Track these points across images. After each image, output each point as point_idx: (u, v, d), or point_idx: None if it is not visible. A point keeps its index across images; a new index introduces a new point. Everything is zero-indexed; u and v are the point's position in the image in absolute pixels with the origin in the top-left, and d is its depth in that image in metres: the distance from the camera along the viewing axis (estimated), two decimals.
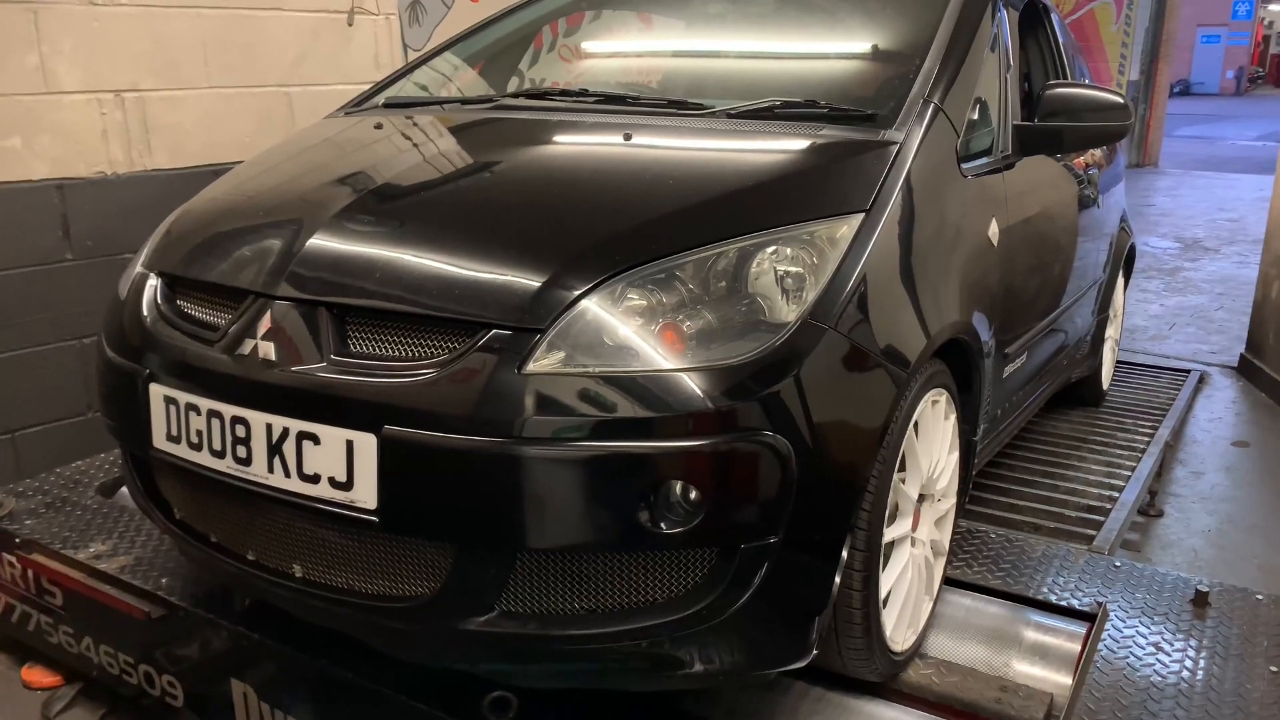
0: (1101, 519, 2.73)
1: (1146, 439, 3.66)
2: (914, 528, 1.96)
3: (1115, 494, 2.96)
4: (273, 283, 1.69)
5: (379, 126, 2.26)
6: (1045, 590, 2.26)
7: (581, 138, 2.08)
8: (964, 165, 2.08)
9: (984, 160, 2.24)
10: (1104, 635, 2.11)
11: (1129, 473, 3.18)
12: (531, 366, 1.49)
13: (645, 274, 1.58)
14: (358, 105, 2.58)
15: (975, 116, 2.22)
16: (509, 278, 1.58)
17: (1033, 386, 2.90)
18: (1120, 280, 4.11)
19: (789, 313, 1.60)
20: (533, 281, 1.56)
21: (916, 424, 1.86)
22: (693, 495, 1.47)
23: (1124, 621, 2.17)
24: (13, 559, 2.45)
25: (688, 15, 2.84)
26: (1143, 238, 8.93)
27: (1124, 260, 4.02)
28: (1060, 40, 3.23)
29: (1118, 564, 2.40)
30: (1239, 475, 3.89)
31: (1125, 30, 13.65)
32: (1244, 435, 4.31)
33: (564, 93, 2.33)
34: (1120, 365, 4.86)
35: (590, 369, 1.48)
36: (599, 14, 3.02)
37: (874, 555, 1.73)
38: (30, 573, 2.40)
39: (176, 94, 3.24)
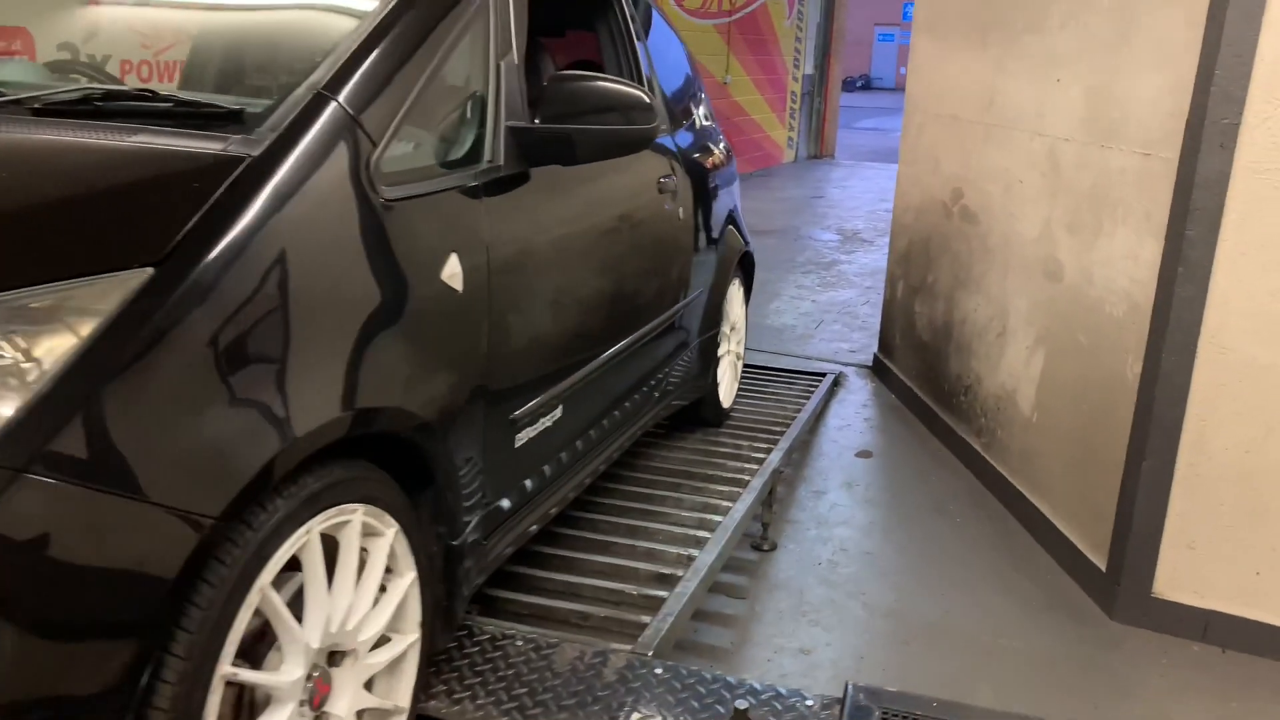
0: (666, 594, 2.30)
1: (759, 464, 3.34)
2: (316, 704, 1.38)
3: (695, 552, 2.55)
4: None
5: None
6: None
7: None
8: (388, 187, 1.51)
9: (442, 177, 1.68)
10: None
11: (720, 517, 2.81)
12: None
13: None
14: None
15: (431, 118, 1.67)
16: None
17: (597, 437, 2.44)
18: (737, 291, 3.80)
19: None
20: None
21: (299, 565, 1.27)
22: None
23: None
24: None
25: None
26: (808, 230, 9.09)
27: (737, 269, 3.71)
28: (630, 26, 2.77)
29: (659, 670, 1.96)
30: (859, 492, 3.69)
31: (799, 26, 14.12)
32: (869, 444, 4.16)
33: None
34: (758, 371, 4.64)
35: None
36: None
37: None
38: None
39: None
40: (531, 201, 1.92)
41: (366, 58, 1.52)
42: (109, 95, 1.42)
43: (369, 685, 1.53)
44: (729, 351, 3.83)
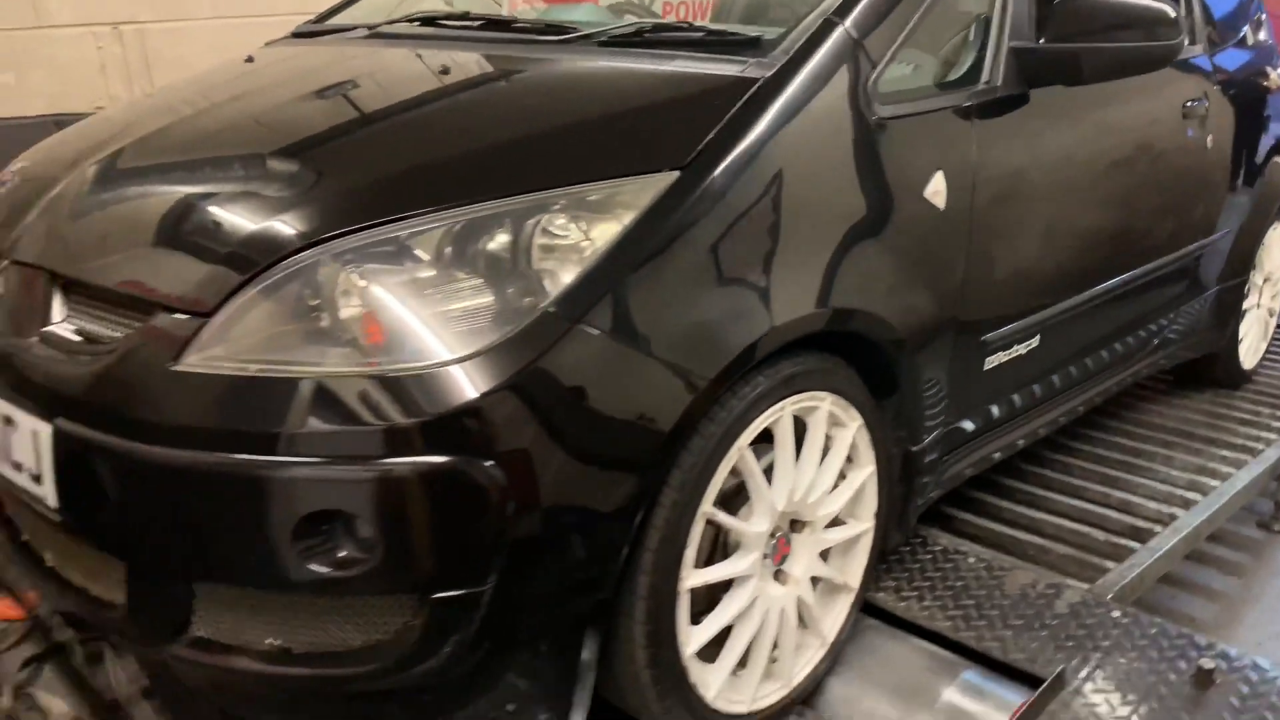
0: (1136, 546, 2.17)
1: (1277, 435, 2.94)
2: (777, 560, 1.58)
3: (1179, 511, 2.36)
4: (11, 243, 1.53)
5: (249, 60, 2.04)
6: (1001, 641, 1.81)
7: (397, 71, 1.77)
8: (882, 106, 1.60)
9: (935, 97, 1.72)
10: (1050, 710, 1.66)
11: (1217, 482, 2.55)
12: (191, 360, 1.24)
13: (356, 244, 1.29)
14: (302, 33, 2.36)
15: (931, 39, 1.73)
16: (200, 246, 1.34)
17: (1078, 375, 2.35)
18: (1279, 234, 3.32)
19: (528, 301, 1.26)
20: (217, 251, 1.31)
21: (771, 438, 1.48)
22: (359, 532, 1.20)
23: (1092, 693, 1.70)
24: None
25: None
26: None
27: None
28: None
29: (1115, 614, 1.90)
30: None
31: None
32: None
33: (448, 17, 2.01)
34: None
35: (250, 368, 1.22)
36: None
37: (664, 605, 1.39)
38: None
39: (179, 25, 3.16)
40: (1028, 124, 1.89)
41: None
42: (656, 28, 1.70)
43: (825, 558, 1.71)
44: (1258, 305, 3.37)
